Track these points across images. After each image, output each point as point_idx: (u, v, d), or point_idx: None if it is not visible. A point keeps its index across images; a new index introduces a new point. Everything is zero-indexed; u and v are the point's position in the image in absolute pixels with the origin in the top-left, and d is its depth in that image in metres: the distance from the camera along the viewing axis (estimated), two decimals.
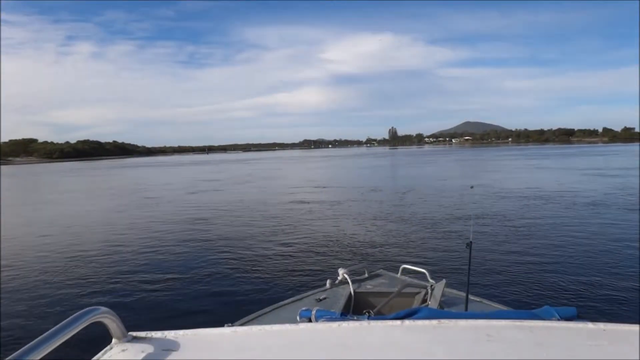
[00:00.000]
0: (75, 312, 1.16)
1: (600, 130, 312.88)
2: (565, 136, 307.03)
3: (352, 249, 10.72)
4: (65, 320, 1.11)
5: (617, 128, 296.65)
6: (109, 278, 8.92)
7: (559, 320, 1.84)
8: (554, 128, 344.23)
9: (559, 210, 15.21)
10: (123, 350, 1.27)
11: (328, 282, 4.10)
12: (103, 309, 1.25)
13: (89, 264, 10.10)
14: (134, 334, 1.35)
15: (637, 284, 7.25)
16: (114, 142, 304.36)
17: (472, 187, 22.71)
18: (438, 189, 23.53)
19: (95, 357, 1.22)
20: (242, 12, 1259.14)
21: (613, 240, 10.54)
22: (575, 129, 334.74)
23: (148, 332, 1.36)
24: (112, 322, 1.28)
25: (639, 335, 1.22)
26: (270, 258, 10.09)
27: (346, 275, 4.04)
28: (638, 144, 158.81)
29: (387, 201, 19.89)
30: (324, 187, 27.51)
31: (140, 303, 7.45)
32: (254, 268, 9.28)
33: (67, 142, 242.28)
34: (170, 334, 1.34)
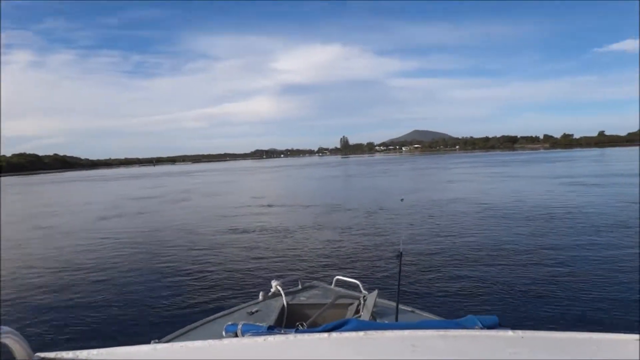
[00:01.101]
0: None
1: (542, 136, 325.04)
2: (509, 143, 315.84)
3: (287, 262, 10.57)
4: None
5: (557, 134, 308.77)
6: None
7: (481, 328, 1.88)
8: (499, 135, 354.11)
9: (505, 223, 14.72)
10: None
11: (261, 294, 3.97)
12: (5, 328, 1.14)
13: None
14: (42, 354, 1.24)
15: (559, 291, 7.55)
16: (55, 155, 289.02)
17: (402, 199, 23.26)
18: (409, 208, 19.45)
19: None
20: (190, 21, 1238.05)
21: (542, 248, 10.71)
22: (519, 136, 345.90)
23: (58, 352, 1.26)
24: (15, 343, 1.16)
25: (554, 342, 1.24)
26: (200, 272, 9.78)
27: (279, 287, 3.95)
28: (577, 149, 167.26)
29: (334, 218, 17.79)
30: (270, 206, 22.93)
31: (51, 323, 6.97)
32: (182, 282, 8.97)
33: (4, 156, 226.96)
34: (82, 354, 1.25)
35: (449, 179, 37.05)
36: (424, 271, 9.07)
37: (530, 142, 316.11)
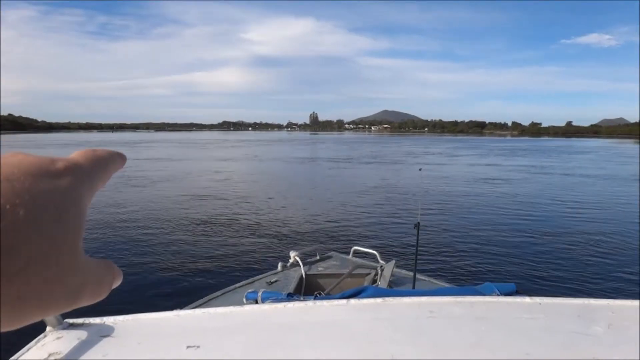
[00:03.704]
0: None
1: (510, 123, 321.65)
2: (478, 128, 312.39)
3: (305, 234, 10.27)
4: None
5: (524, 122, 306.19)
6: None
7: (498, 295, 1.84)
8: (466, 120, 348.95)
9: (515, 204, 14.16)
10: (58, 338, 1.17)
11: (279, 264, 3.96)
12: None
13: None
14: (70, 321, 1.25)
15: (574, 261, 7.76)
16: (10, 115, 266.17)
17: (420, 169, 21.79)
18: None
19: (27, 346, 1.13)
20: None
21: (556, 222, 11.10)
22: (487, 122, 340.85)
23: (85, 318, 1.27)
24: None
25: (571, 308, 1.25)
26: (221, 243, 9.50)
27: (297, 258, 3.94)
28: (546, 138, 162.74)
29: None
30: (210, 224, 10.53)
31: None
32: (203, 254, 8.70)
33: None
34: (109, 320, 1.26)
35: (482, 176, 25.12)
36: (440, 241, 9.14)
37: (499, 128, 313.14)
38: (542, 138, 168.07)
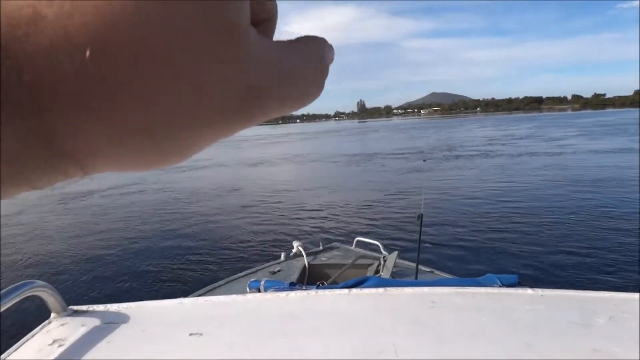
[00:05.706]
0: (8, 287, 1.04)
1: (569, 97, 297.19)
2: (535, 104, 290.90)
3: (309, 223, 9.91)
4: None
5: (586, 95, 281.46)
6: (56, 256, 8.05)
7: (500, 287, 1.83)
8: (521, 97, 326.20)
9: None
10: (62, 325, 1.16)
11: (283, 254, 3.98)
12: (39, 282, 1.15)
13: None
14: (75, 307, 1.25)
15: (577, 254, 7.12)
16: None
17: (424, 160, 20.93)
18: None
19: (32, 332, 1.12)
20: None
21: (561, 214, 9.87)
22: (544, 97, 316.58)
23: (90, 305, 1.27)
24: (49, 296, 1.18)
25: (573, 300, 1.24)
26: (225, 233, 9.30)
27: (301, 248, 3.94)
28: (611, 109, 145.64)
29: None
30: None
31: (87, 281, 6.84)
32: (208, 243, 8.55)
33: None
34: (112, 307, 1.26)
35: None
36: (444, 232, 8.57)
37: (558, 102, 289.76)
38: (607, 110, 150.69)
